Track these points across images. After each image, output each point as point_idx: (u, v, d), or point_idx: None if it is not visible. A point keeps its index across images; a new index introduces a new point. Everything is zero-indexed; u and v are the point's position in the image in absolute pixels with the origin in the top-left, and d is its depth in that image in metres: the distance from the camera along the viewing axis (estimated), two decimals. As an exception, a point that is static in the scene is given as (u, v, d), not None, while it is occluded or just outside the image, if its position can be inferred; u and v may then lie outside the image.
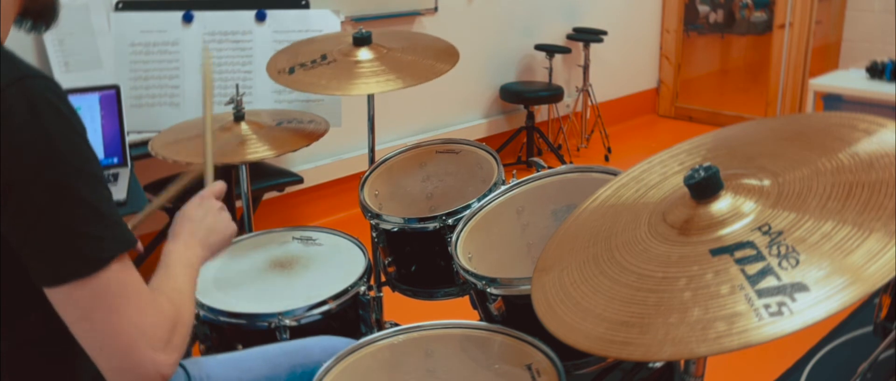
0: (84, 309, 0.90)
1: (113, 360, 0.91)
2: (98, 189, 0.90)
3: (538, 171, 1.65)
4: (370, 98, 2.17)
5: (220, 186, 1.28)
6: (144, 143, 1.98)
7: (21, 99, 0.86)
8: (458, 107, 4.24)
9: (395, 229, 1.73)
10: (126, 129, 2.32)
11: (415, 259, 1.79)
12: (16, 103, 0.86)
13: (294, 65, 1.97)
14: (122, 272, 0.91)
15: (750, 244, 0.87)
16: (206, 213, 1.20)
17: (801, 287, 0.79)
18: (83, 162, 0.89)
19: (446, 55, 1.99)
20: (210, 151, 1.41)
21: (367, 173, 1.90)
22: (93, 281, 0.89)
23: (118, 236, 0.91)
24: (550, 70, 4.41)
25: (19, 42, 1.07)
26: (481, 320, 1.45)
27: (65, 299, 0.90)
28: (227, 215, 1.23)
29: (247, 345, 1.46)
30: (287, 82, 1.92)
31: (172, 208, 2.80)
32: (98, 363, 0.92)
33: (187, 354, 1.54)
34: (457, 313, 1.43)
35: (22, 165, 0.86)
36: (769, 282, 0.81)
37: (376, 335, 1.30)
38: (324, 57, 1.98)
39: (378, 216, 1.74)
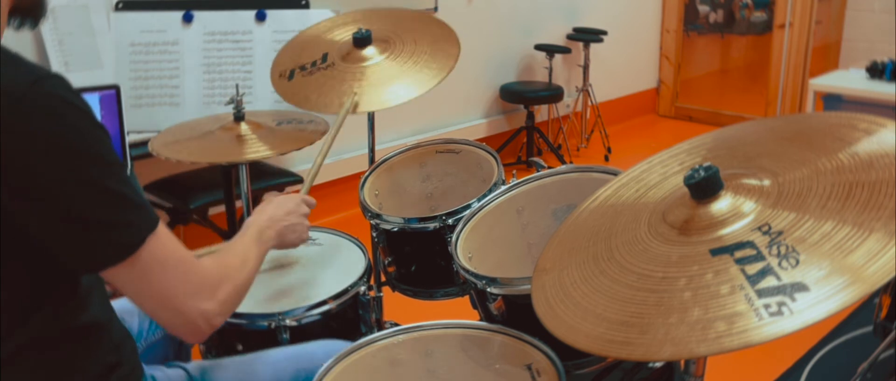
0: (129, 285, 0.98)
1: (165, 318, 1.02)
2: (122, 176, 0.95)
3: (538, 171, 1.65)
4: (370, 98, 2.17)
5: (313, 201, 1.47)
6: (144, 143, 1.98)
7: (41, 102, 0.89)
8: (458, 107, 4.24)
9: (395, 229, 1.73)
10: (126, 129, 2.32)
11: (415, 259, 1.79)
12: (36, 107, 0.88)
13: (294, 67, 1.96)
14: (157, 246, 0.98)
15: (750, 244, 0.87)
16: (294, 212, 1.38)
17: (801, 287, 0.79)
18: (107, 153, 0.94)
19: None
20: (318, 165, 1.61)
21: (367, 173, 1.90)
22: (131, 262, 0.95)
23: (145, 216, 0.98)
24: (550, 70, 4.41)
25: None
26: (481, 320, 1.44)
27: (109, 277, 0.97)
28: (306, 225, 1.42)
29: (247, 345, 1.46)
30: (285, 90, 1.92)
31: (172, 210, 2.80)
32: (155, 320, 1.04)
33: (189, 357, 1.54)
34: (457, 313, 1.43)
35: (51, 167, 0.89)
36: (769, 282, 0.81)
37: (376, 334, 1.30)
38: (324, 57, 1.98)
39: (378, 216, 1.74)
